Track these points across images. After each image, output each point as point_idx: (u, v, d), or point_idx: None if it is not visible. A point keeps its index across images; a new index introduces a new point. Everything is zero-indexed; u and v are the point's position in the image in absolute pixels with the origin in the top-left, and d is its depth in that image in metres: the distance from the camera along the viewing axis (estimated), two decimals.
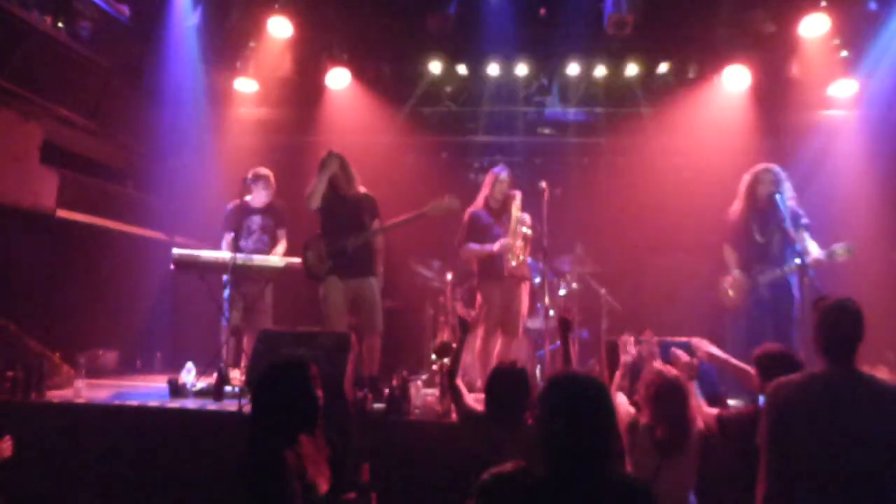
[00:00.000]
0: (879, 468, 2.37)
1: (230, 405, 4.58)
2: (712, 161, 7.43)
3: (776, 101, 6.85)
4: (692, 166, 7.56)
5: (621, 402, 3.44)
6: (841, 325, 2.57)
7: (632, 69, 6.99)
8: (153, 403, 4.66)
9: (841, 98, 6.83)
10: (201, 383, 5.20)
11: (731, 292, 5.39)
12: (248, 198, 5.96)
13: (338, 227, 5.39)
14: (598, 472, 1.86)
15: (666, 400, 3.13)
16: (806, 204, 5.57)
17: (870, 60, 6.42)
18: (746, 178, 5.44)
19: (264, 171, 6.02)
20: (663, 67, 6.94)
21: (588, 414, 1.90)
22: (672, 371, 3.26)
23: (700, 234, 7.19)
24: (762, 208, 5.28)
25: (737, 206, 5.47)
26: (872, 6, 6.19)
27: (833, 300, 2.67)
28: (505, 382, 3.25)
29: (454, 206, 5.33)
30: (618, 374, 3.71)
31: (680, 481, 3.14)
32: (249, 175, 5.87)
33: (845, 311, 2.59)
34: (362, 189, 5.55)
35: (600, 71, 7.04)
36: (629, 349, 3.76)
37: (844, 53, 6.44)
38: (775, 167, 5.33)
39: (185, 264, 5.53)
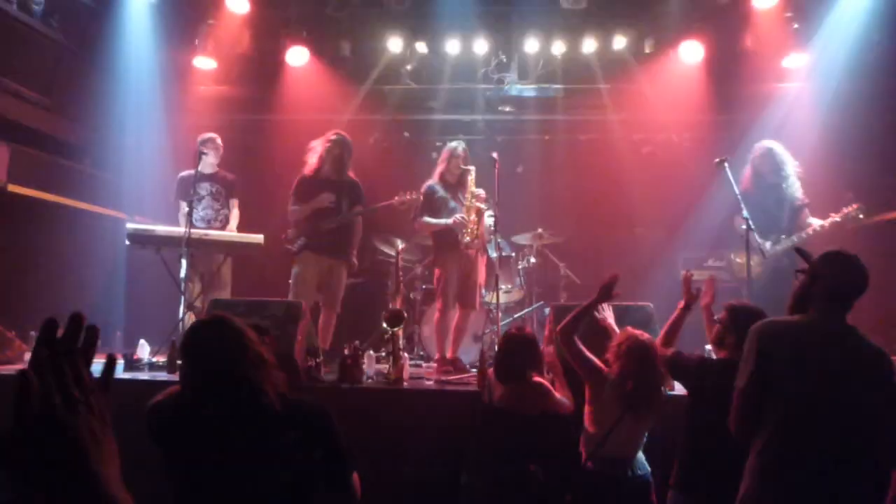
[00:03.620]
0: (860, 421, 2.36)
1: None
2: (671, 136, 7.55)
3: (731, 74, 6.94)
4: (650, 141, 7.65)
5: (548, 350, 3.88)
6: (849, 274, 2.51)
7: (589, 45, 7.04)
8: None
9: (795, 70, 6.92)
10: (157, 359, 5.19)
11: (746, 263, 5.39)
12: (199, 167, 5.93)
13: (318, 209, 5.64)
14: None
15: (635, 357, 3.25)
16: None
17: (821, 33, 6.53)
18: (756, 153, 5.64)
19: (211, 134, 6.02)
20: (620, 43, 6.98)
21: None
22: (643, 334, 3.38)
23: (659, 208, 7.33)
24: (773, 182, 5.52)
25: (747, 181, 5.63)
26: None
27: (839, 251, 2.62)
28: (516, 346, 3.57)
29: (415, 200, 5.68)
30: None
31: (635, 436, 3.30)
32: (198, 139, 5.89)
33: (854, 263, 2.53)
34: (351, 174, 5.80)
35: (558, 47, 7.08)
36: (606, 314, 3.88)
37: (796, 26, 6.54)
38: (773, 143, 5.59)
39: (140, 239, 5.50)
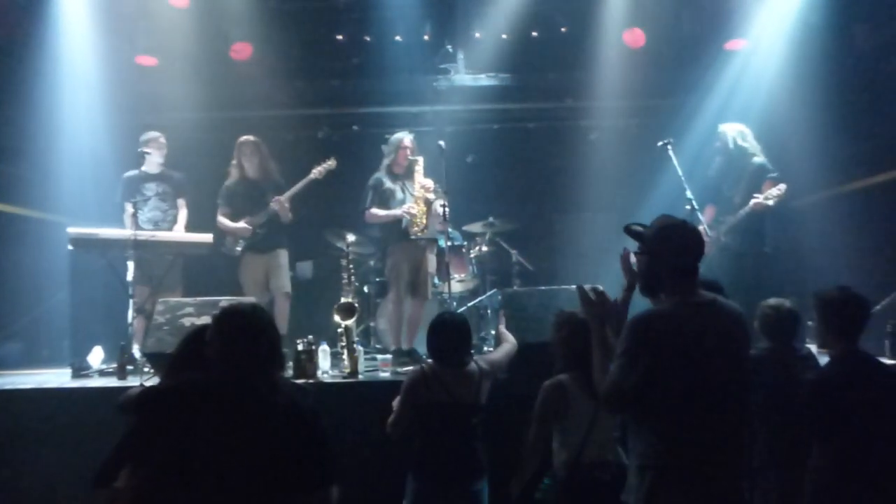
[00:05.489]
0: (734, 398, 2.39)
1: (134, 383, 4.50)
2: (617, 121, 7.67)
3: (674, 59, 7.05)
4: (598, 127, 7.75)
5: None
6: (685, 244, 2.43)
7: (535, 34, 7.08)
8: (51, 385, 4.54)
9: (736, 54, 7.04)
10: (107, 366, 5.10)
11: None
12: (143, 167, 5.82)
13: (244, 209, 5.79)
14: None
15: (584, 337, 2.91)
16: (706, 160, 5.91)
17: (761, 16, 6.68)
18: (721, 136, 5.77)
19: (154, 132, 5.92)
20: (565, 31, 7.04)
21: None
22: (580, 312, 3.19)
23: (608, 193, 7.45)
24: (732, 163, 5.67)
25: (715, 165, 5.81)
26: None
27: (669, 220, 2.53)
28: (449, 329, 3.45)
29: (332, 165, 5.86)
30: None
31: (612, 430, 3.14)
32: (141, 139, 5.79)
33: (682, 231, 2.47)
34: (273, 173, 5.92)
35: (504, 36, 7.11)
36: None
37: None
38: (737, 126, 5.73)
39: (84, 243, 5.37)
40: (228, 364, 2.19)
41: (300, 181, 5.82)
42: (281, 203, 5.69)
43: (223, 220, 5.80)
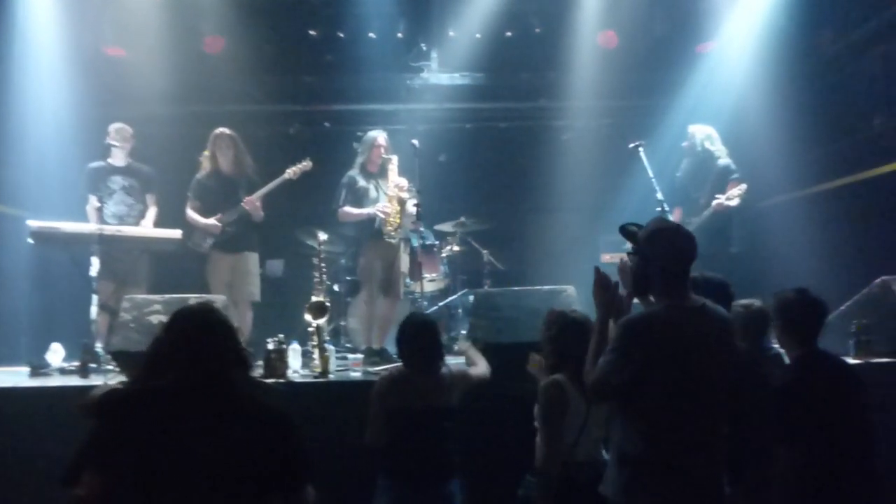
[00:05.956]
0: (719, 399, 2.42)
1: (97, 381, 4.38)
2: (589, 122, 7.72)
3: (646, 60, 7.11)
4: (570, 127, 7.80)
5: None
6: (676, 249, 2.46)
7: (509, 33, 7.09)
8: (7, 384, 4.39)
9: (707, 56, 7.13)
10: (68, 364, 4.96)
11: None
12: (109, 159, 5.66)
13: (215, 204, 5.60)
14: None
15: (576, 335, 2.98)
16: (676, 161, 5.98)
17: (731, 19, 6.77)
18: (689, 137, 5.87)
19: (120, 124, 5.74)
20: (537, 28, 7.06)
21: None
22: (572, 310, 3.25)
23: (579, 193, 7.50)
24: (699, 165, 5.78)
25: (683, 166, 5.92)
26: None
27: (662, 224, 2.62)
28: (419, 332, 3.36)
29: (307, 166, 5.69)
30: None
31: (601, 426, 3.04)
32: (108, 130, 5.62)
33: (675, 235, 2.50)
34: (247, 169, 5.73)
35: (478, 35, 7.10)
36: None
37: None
38: (705, 128, 5.84)
39: (45, 237, 5.19)
40: (182, 368, 2.13)
41: (273, 180, 5.65)
42: (252, 203, 5.55)
43: (192, 215, 5.63)
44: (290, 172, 5.65)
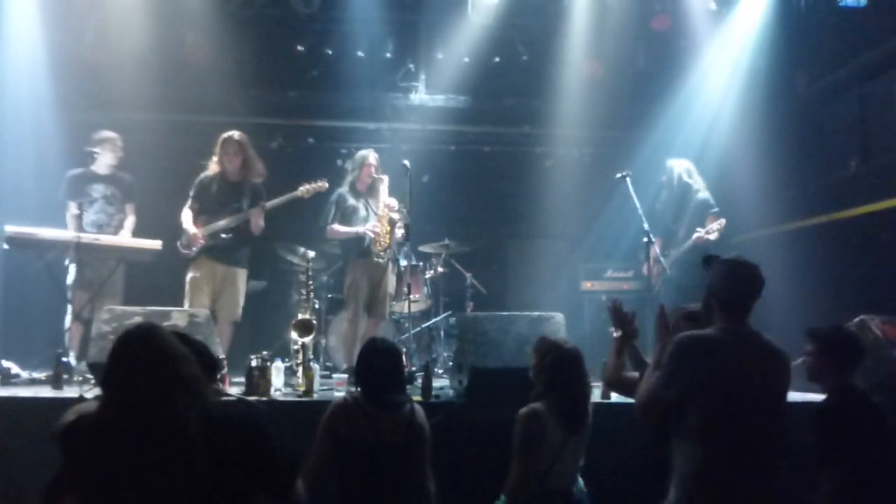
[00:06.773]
0: (769, 424, 2.53)
1: (70, 393, 4.24)
2: (571, 150, 7.82)
3: (628, 92, 7.24)
4: (552, 154, 7.88)
5: None
6: (737, 285, 2.61)
7: (496, 58, 7.16)
8: None
9: (686, 90, 7.28)
10: (38, 374, 4.80)
11: (648, 273, 5.71)
12: (91, 167, 5.54)
13: (213, 208, 5.37)
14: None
15: (569, 367, 3.09)
16: (654, 193, 6.09)
17: (710, 55, 6.95)
18: (668, 171, 6.03)
19: (110, 133, 5.63)
20: (524, 56, 7.15)
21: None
22: (565, 341, 3.25)
23: (560, 220, 7.57)
24: (677, 198, 5.94)
25: (662, 198, 6.07)
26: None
27: (734, 258, 2.74)
28: (380, 359, 3.12)
29: (323, 187, 5.50)
30: None
31: (577, 459, 3.13)
32: (94, 138, 5.51)
33: (749, 269, 2.64)
34: (255, 177, 5.51)
35: (466, 59, 7.16)
36: None
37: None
38: (683, 162, 6.02)
39: (21, 243, 5.07)
40: (139, 390, 2.05)
41: (283, 196, 5.45)
42: (262, 210, 5.31)
43: (185, 216, 5.36)
44: (303, 190, 5.45)
